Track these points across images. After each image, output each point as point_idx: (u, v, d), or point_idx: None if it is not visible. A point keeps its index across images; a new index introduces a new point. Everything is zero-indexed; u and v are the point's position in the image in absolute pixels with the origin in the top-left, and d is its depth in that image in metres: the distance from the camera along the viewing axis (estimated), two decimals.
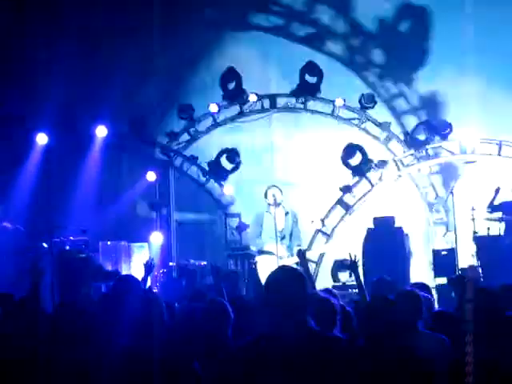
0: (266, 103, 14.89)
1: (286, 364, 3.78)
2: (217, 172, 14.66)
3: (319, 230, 14.07)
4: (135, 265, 13.46)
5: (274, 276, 4.04)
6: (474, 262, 12.26)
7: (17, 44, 13.66)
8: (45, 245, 12.45)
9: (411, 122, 14.95)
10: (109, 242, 13.41)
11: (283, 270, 4.18)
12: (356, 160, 13.88)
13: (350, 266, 7.03)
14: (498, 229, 12.64)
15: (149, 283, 12.99)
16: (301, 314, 3.93)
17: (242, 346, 4.00)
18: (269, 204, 11.35)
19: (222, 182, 14.75)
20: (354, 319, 5.93)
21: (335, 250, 12.64)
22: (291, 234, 11.36)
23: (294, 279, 3.99)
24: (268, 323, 3.96)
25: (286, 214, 11.37)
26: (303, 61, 14.30)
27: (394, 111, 15.26)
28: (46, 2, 13.50)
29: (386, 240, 12.73)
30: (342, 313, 5.64)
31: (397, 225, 13.11)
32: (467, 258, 12.43)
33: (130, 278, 6.08)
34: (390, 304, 4.86)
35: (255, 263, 11.43)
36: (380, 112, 14.63)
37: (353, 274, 7.03)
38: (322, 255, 13.68)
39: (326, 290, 6.85)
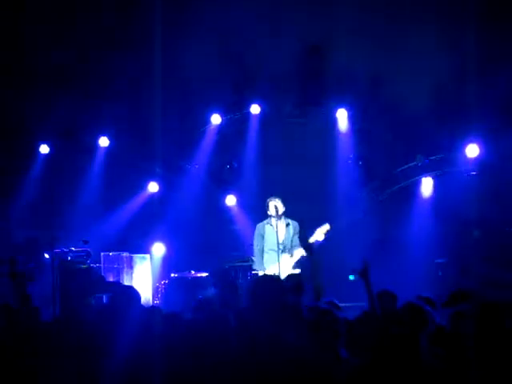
0: (269, 113, 14.89)
1: (266, 368, 3.77)
2: (219, 183, 14.64)
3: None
4: (137, 276, 13.44)
5: (252, 286, 4.05)
6: None
7: (18, 54, 13.66)
8: (46, 255, 12.43)
9: None
10: (111, 253, 13.39)
11: (262, 279, 4.19)
12: None
13: (361, 273, 6.88)
14: None
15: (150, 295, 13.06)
16: (277, 323, 3.91)
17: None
18: (270, 215, 11.28)
19: (225, 193, 14.75)
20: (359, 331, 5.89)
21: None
22: (292, 246, 11.28)
23: (271, 288, 3.98)
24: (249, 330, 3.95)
25: (287, 225, 11.30)
26: None
27: None
28: (48, 11, 13.49)
29: None
30: (345, 325, 5.60)
31: None
32: None
33: (129, 289, 6.04)
34: (399, 319, 4.78)
35: (253, 275, 11.37)
36: None
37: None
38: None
39: (329, 302, 6.79)
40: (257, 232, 11.34)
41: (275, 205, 11.07)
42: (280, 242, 10.93)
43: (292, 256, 10.97)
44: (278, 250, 10.79)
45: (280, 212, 11.08)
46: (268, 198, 11.27)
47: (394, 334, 4.72)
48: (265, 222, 11.27)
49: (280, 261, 10.83)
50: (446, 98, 13.60)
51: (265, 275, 4.16)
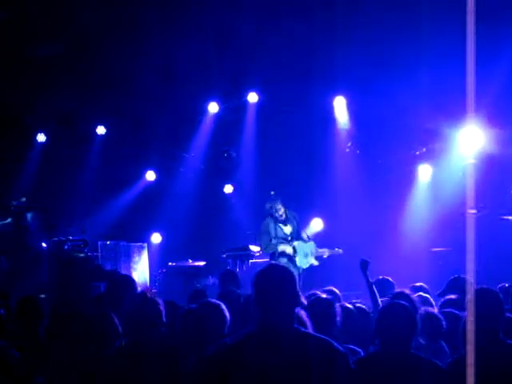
0: (267, 101, 14.87)
1: (269, 363, 3.73)
2: (217, 171, 14.64)
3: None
4: (134, 265, 13.44)
5: (262, 274, 3.97)
6: None
7: (17, 42, 13.60)
8: (44, 244, 12.42)
9: None
10: (108, 242, 13.38)
11: (272, 268, 4.05)
12: None
13: (361, 265, 6.87)
14: None
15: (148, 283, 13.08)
16: (288, 313, 3.87)
17: (227, 345, 3.96)
18: (271, 215, 11.30)
19: (223, 182, 14.75)
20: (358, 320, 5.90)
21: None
22: (299, 234, 11.42)
23: (282, 278, 3.92)
24: (255, 321, 3.90)
25: (289, 219, 11.39)
26: None
27: None
28: (47, 1, 13.44)
29: None
30: (344, 314, 5.60)
31: None
32: None
33: (126, 278, 6.04)
34: (406, 309, 4.75)
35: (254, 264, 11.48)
36: None
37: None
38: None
39: (329, 291, 6.80)
40: (263, 229, 11.38)
41: (277, 207, 11.12)
42: (287, 233, 11.08)
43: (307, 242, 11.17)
44: (289, 241, 10.93)
45: (281, 212, 11.16)
46: (269, 201, 11.24)
47: (386, 324, 4.70)
48: (268, 219, 11.29)
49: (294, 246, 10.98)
50: (444, 86, 13.57)
51: (274, 264, 3.97)
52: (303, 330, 3.96)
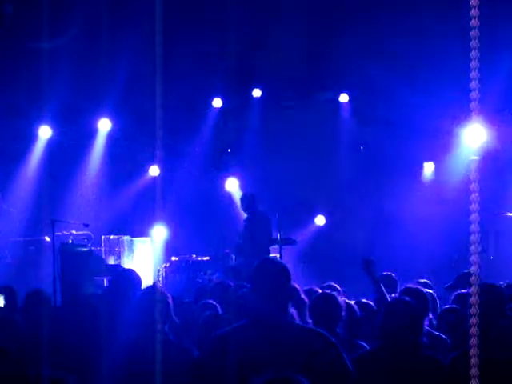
0: (271, 97, 14.86)
1: (262, 353, 3.78)
2: (219, 167, 14.64)
3: None
4: (138, 259, 13.46)
5: (257, 268, 4.05)
6: None
7: (20, 35, 13.58)
8: (47, 238, 12.43)
9: None
10: (111, 236, 13.39)
11: (267, 262, 4.22)
12: None
13: (363, 265, 6.84)
14: None
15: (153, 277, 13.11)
16: (282, 306, 3.92)
17: (221, 334, 4.03)
18: None
19: (226, 177, 14.76)
20: (360, 315, 5.91)
21: None
22: None
23: (278, 271, 4.00)
24: (251, 311, 3.97)
25: None
26: None
27: None
28: None
29: None
30: (346, 309, 5.60)
31: None
32: None
33: (131, 272, 6.04)
34: (410, 306, 4.75)
35: None
36: None
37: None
38: None
39: (329, 286, 6.80)
40: None
41: None
42: None
43: None
44: None
45: None
46: None
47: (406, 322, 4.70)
48: None
49: None
50: (448, 84, 13.57)
51: (272, 258, 4.09)
52: (297, 322, 4.02)
